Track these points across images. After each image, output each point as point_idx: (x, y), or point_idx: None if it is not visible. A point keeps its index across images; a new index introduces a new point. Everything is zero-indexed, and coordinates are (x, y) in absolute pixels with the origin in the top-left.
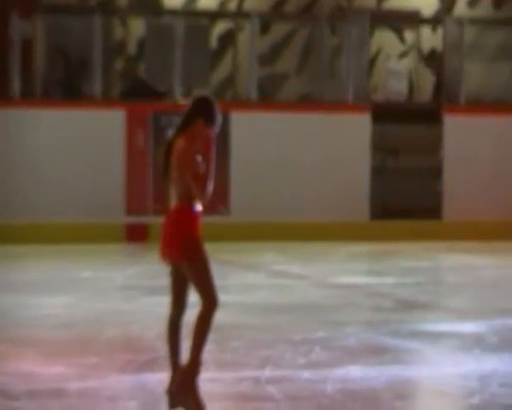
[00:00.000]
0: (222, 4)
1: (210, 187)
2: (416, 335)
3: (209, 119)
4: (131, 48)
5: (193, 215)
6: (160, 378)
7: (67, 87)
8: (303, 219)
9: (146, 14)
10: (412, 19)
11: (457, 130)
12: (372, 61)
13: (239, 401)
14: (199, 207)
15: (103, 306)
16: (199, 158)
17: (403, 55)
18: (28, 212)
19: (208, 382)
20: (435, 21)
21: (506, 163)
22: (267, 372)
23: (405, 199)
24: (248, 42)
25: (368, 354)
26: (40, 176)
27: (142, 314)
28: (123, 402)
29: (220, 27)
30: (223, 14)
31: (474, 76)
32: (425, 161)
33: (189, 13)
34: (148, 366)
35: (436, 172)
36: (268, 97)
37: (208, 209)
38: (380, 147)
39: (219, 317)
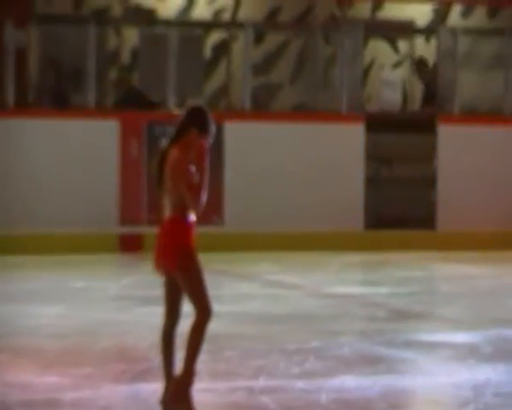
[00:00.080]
0: (216, 14)
1: (204, 197)
2: (410, 345)
3: (203, 129)
4: (125, 57)
5: (187, 225)
6: (154, 389)
7: (58, 97)
8: (297, 228)
9: (140, 24)
10: (406, 29)
11: (451, 139)
12: (366, 71)
13: None
14: (193, 217)
15: (97, 316)
16: (193, 168)
17: (397, 64)
18: (24, 222)
19: (202, 392)
20: (429, 31)
21: (500, 173)
22: (261, 382)
23: (399, 209)
24: (242, 52)
25: (362, 363)
26: (35, 186)
27: (136, 324)
28: None
29: (214, 37)
30: (217, 24)
31: (468, 86)
32: (419, 170)
33: (183, 23)
34: (142, 376)
35: (430, 182)
36: (262, 107)
37: (202, 219)
38: (374, 157)
39: (213, 327)
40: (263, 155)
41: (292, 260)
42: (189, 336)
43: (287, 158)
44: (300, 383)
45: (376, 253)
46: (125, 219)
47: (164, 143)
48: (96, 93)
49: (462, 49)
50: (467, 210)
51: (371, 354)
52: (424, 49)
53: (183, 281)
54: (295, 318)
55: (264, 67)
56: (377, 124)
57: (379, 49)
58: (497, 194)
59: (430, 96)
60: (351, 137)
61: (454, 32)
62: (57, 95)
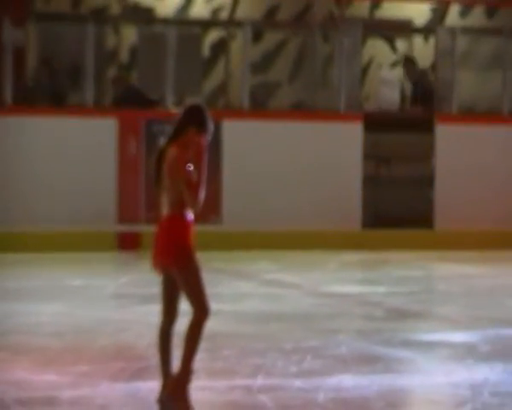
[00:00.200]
0: (214, 13)
1: (202, 195)
2: (407, 344)
3: (201, 127)
4: (124, 56)
5: (185, 224)
6: (152, 387)
7: (53, 95)
8: (295, 227)
9: (138, 23)
10: (404, 28)
11: (450, 139)
12: (364, 70)
13: None
14: (191, 215)
15: (95, 314)
16: (191, 166)
17: (395, 64)
18: (23, 220)
19: (199, 390)
20: (427, 31)
21: (499, 172)
22: (259, 381)
23: (397, 208)
24: (241, 50)
25: (360, 362)
26: (33, 184)
27: (134, 323)
28: None
29: (212, 36)
30: (215, 23)
31: (466, 85)
32: (417, 169)
33: (182, 21)
34: (140, 374)
35: (428, 181)
36: (260, 106)
37: (200, 218)
38: (372, 156)
39: (211, 325)
40: (261, 154)
41: (290, 259)
42: (186, 335)
43: (285, 157)
44: (298, 382)
45: (374, 252)
46: (123, 218)
47: (162, 141)
48: (95, 91)
49: (461, 49)
50: (465, 209)
51: (369, 354)
52: (422, 48)
53: (181, 279)
54: (293, 317)
55: (262, 65)
56: (375, 123)
57: (377, 48)
58: (496, 193)
59: (418, 95)
60: (349, 136)
61: (452, 32)
62: (52, 93)
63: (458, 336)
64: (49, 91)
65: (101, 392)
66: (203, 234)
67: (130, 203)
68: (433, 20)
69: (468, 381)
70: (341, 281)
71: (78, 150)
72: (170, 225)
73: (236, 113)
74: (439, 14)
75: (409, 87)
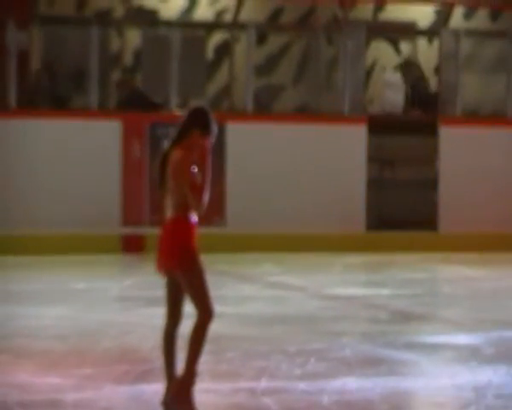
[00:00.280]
0: (218, 15)
1: (206, 198)
2: (412, 346)
3: (205, 129)
4: (128, 59)
5: (189, 226)
6: (156, 389)
7: (54, 99)
8: (299, 230)
9: (142, 25)
10: (408, 30)
11: (453, 142)
12: (368, 73)
13: None
14: (195, 217)
15: (99, 317)
16: (195, 169)
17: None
18: (26, 223)
19: (204, 393)
20: (431, 33)
21: (503, 175)
22: (263, 383)
23: (401, 210)
24: (245, 53)
25: (364, 365)
26: (37, 187)
27: (139, 325)
28: None
29: (216, 38)
30: (219, 25)
31: (470, 88)
32: (421, 172)
33: (186, 24)
34: (144, 376)
35: (432, 184)
36: (264, 109)
37: (204, 220)
38: (376, 158)
39: (215, 328)
40: (265, 157)
41: (294, 262)
42: (190, 337)
43: (289, 159)
44: (302, 385)
45: (378, 254)
46: (127, 220)
47: (166, 143)
48: (99, 94)
49: (465, 51)
50: (469, 212)
51: (373, 356)
52: (426, 50)
53: (185, 282)
54: (297, 319)
55: (266, 68)
56: (379, 126)
57: (381, 50)
58: (500, 196)
59: (416, 99)
60: (353, 139)
61: (456, 34)
62: (53, 97)
63: (462, 339)
64: (49, 95)
65: (105, 395)
66: (207, 236)
67: (134, 206)
68: (437, 23)
69: (471, 383)
70: (345, 283)
71: (82, 153)
72: (174, 227)
73: (240, 115)
74: (443, 17)
75: (407, 90)
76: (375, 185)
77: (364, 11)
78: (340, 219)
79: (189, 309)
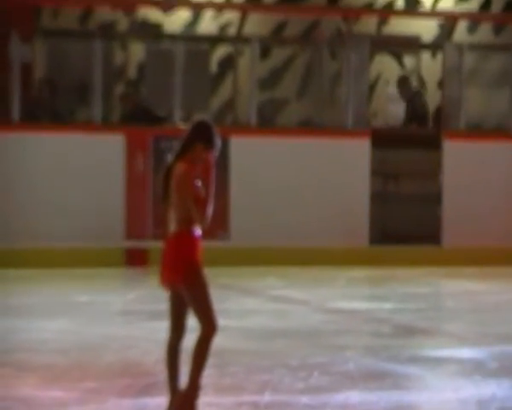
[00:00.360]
0: (222, 29)
1: (210, 211)
2: (415, 360)
3: (208, 143)
4: (131, 72)
5: (192, 240)
6: (159, 403)
7: (53, 114)
8: (302, 244)
9: (146, 39)
10: (412, 44)
11: (457, 155)
12: (372, 87)
13: None
14: (198, 231)
15: (103, 330)
16: (198, 182)
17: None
18: (29, 236)
19: (207, 406)
20: (435, 47)
21: (506, 189)
22: (266, 397)
23: (405, 224)
24: (248, 67)
25: (367, 379)
26: (40, 200)
27: (142, 339)
28: None
29: (220, 52)
30: (223, 39)
31: (474, 102)
32: (425, 186)
33: (189, 37)
34: (148, 390)
35: (436, 198)
36: (268, 122)
37: (208, 234)
38: (379, 172)
39: (218, 341)
40: (269, 171)
41: (297, 276)
42: (194, 351)
43: (292, 173)
44: (305, 399)
45: (382, 268)
46: (130, 234)
47: (170, 157)
48: (103, 108)
49: (468, 65)
50: (472, 226)
51: (376, 370)
52: (430, 64)
53: (189, 295)
54: (300, 333)
55: (270, 82)
56: (383, 139)
57: (385, 64)
58: (504, 210)
59: (412, 114)
60: (356, 153)
61: (460, 48)
62: (53, 111)
63: (466, 353)
64: (50, 109)
65: (109, 408)
66: (211, 250)
67: (137, 219)
68: (440, 37)
69: (475, 397)
70: (349, 297)
71: (86, 167)
72: (177, 241)
73: (244, 129)
74: (447, 31)
75: (404, 105)
76: (378, 199)
77: (368, 25)
78: (344, 233)
79: (192, 323)
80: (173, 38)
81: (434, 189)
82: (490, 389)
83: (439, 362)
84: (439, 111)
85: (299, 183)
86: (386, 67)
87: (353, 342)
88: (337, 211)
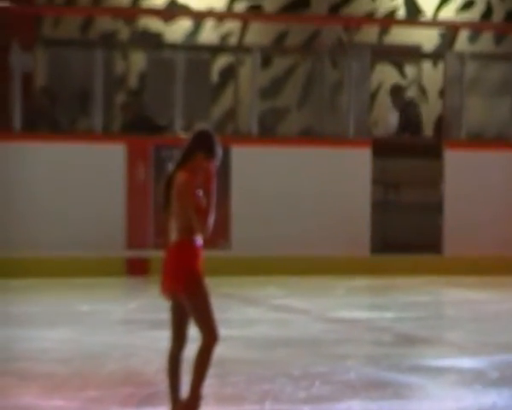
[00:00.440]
0: (223, 38)
1: (211, 221)
2: (416, 369)
3: (209, 152)
4: (132, 81)
5: (194, 249)
6: None
7: (53, 122)
8: (303, 253)
9: (147, 48)
10: (413, 54)
11: (458, 165)
12: (373, 96)
13: None
14: (200, 240)
15: (104, 339)
16: (200, 192)
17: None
18: (29, 246)
19: None
20: (436, 56)
21: (507, 198)
22: (267, 407)
23: (406, 233)
24: (249, 76)
25: (368, 388)
26: (41, 210)
27: (143, 348)
28: None
29: (221, 61)
30: (224, 49)
31: (475, 111)
32: (426, 195)
33: (190, 47)
34: (149, 400)
35: (437, 207)
36: (269, 132)
37: (209, 243)
38: (380, 181)
39: (220, 351)
40: (270, 180)
41: (298, 285)
42: (195, 360)
43: (293, 182)
44: (307, 408)
45: (383, 277)
46: (131, 243)
47: (170, 166)
48: (103, 117)
49: (469, 75)
50: (473, 235)
51: (378, 379)
52: (431, 73)
53: (190, 305)
54: (301, 342)
55: (271, 91)
56: (384, 148)
57: (386, 73)
58: (504, 219)
59: (405, 123)
60: (357, 162)
61: (461, 57)
62: (52, 121)
63: (466, 362)
64: (49, 118)
65: None
66: (212, 259)
67: (138, 229)
68: (441, 46)
69: (476, 406)
70: (350, 306)
71: (86, 176)
72: (178, 250)
73: (245, 138)
74: (448, 40)
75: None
76: (379, 208)
77: (369, 34)
78: (345, 242)
79: (193, 333)
80: (174, 47)
81: (435, 198)
82: (490, 398)
83: (439, 371)
84: (440, 120)
85: (300, 192)
86: (387, 76)
87: (354, 351)
88: (338, 220)
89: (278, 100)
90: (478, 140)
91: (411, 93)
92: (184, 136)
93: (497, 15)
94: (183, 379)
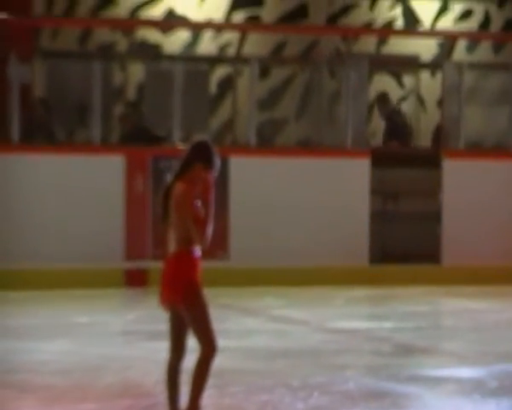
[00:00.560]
0: (221, 49)
1: (209, 231)
2: (415, 379)
3: (208, 163)
4: (131, 93)
5: (192, 260)
6: None
7: (50, 134)
8: (302, 263)
9: (145, 60)
10: (411, 63)
11: (457, 174)
12: (371, 106)
13: None
14: (198, 251)
15: (102, 351)
16: (198, 202)
17: (402, 99)
18: (28, 257)
19: None
20: (434, 66)
21: (506, 208)
22: None
23: (405, 243)
24: (248, 87)
25: (367, 398)
26: (39, 221)
27: (142, 359)
28: None
29: (220, 72)
30: (222, 60)
31: (474, 120)
32: (424, 205)
33: (189, 58)
34: None
35: (435, 217)
36: (267, 142)
37: (207, 254)
38: (379, 191)
39: (218, 362)
40: (268, 190)
41: (297, 295)
42: (194, 371)
43: (292, 193)
44: None
45: (381, 287)
46: (130, 254)
47: (169, 177)
48: (102, 129)
49: (468, 84)
50: (472, 245)
51: (377, 389)
52: (429, 83)
53: (188, 316)
54: (300, 353)
55: (269, 102)
56: (382, 159)
57: (384, 83)
58: (503, 229)
59: (392, 131)
60: (356, 172)
61: (459, 67)
62: (47, 133)
63: (465, 372)
64: (49, 131)
65: None
66: (210, 270)
67: (137, 240)
68: (440, 56)
69: None
70: (349, 317)
71: (85, 188)
72: (177, 261)
73: (243, 149)
74: (446, 50)
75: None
76: (378, 218)
77: (367, 44)
78: (344, 253)
79: (192, 343)
80: (172, 58)
81: (434, 207)
82: (489, 408)
83: (438, 381)
84: (438, 130)
85: (299, 202)
86: (385, 86)
87: (353, 361)
88: (337, 230)
89: (276, 110)
90: (476, 150)
91: (410, 103)
92: (183, 147)
93: (496, 25)
94: (181, 390)
